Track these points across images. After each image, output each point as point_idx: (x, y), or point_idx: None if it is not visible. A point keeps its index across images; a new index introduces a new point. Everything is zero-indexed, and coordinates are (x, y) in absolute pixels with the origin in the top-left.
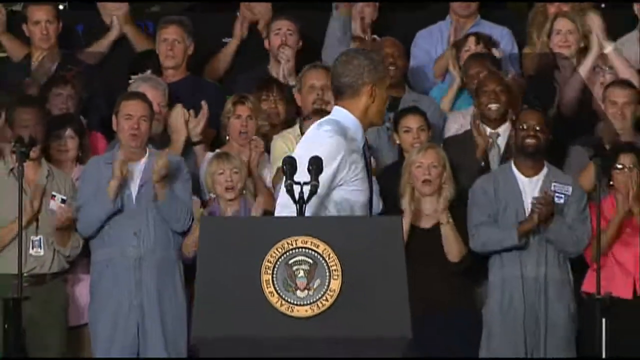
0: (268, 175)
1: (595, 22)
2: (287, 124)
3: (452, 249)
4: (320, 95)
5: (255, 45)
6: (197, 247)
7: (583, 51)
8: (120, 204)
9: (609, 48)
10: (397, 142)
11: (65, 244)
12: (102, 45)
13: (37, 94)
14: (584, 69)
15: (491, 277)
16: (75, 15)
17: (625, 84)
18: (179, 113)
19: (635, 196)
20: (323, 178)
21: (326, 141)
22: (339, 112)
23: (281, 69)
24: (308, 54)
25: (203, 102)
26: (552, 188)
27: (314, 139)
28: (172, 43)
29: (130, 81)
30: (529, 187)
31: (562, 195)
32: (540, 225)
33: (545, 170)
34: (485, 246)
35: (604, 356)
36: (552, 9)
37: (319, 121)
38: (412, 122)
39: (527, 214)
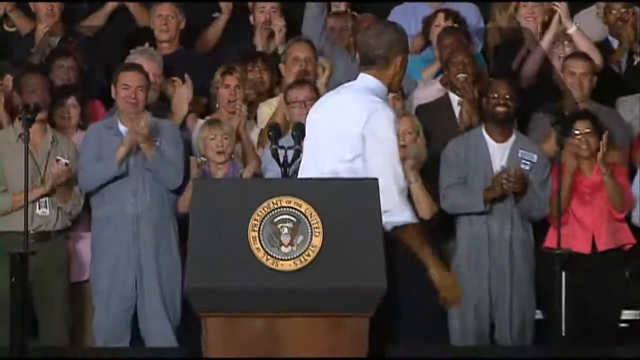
0: (256, 140)
1: (561, 5)
2: (271, 92)
3: (423, 206)
4: (304, 67)
5: (243, 21)
6: (190, 205)
7: (547, 24)
8: (126, 169)
9: (572, 28)
10: None
11: (66, 200)
12: (100, 16)
13: (41, 65)
14: (544, 44)
15: (459, 234)
16: None
17: (583, 56)
18: (183, 91)
19: (589, 158)
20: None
21: (390, 115)
22: (368, 80)
23: (276, 37)
24: (290, 29)
25: (186, 76)
26: (519, 155)
27: (372, 109)
28: (166, 18)
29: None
30: (498, 152)
31: (528, 162)
32: (512, 196)
33: (513, 137)
34: (454, 208)
35: (563, 307)
36: None
37: (355, 88)
38: None
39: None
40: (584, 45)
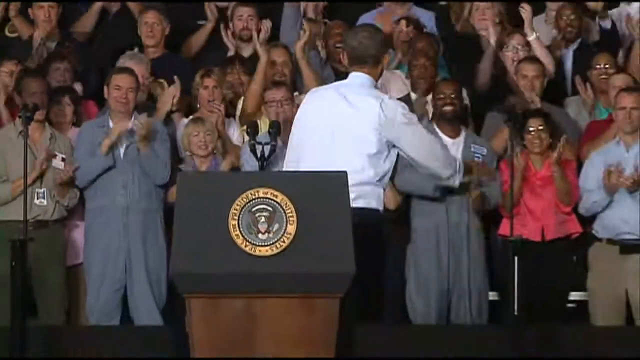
0: (234, 134)
1: (526, 12)
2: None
3: (389, 198)
4: (280, 70)
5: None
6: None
7: (499, 25)
8: (113, 161)
9: (532, 36)
10: None
11: (64, 196)
12: (89, 17)
13: (38, 68)
14: (491, 41)
15: (418, 221)
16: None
17: (534, 59)
18: (169, 91)
19: (545, 152)
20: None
21: (398, 103)
22: (362, 78)
23: (260, 39)
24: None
25: (176, 77)
26: (472, 149)
27: (383, 106)
28: (152, 25)
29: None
30: (453, 147)
31: (480, 155)
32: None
33: (464, 134)
34: (405, 187)
35: (516, 289)
36: None
37: (355, 86)
38: None
39: None
40: (540, 52)
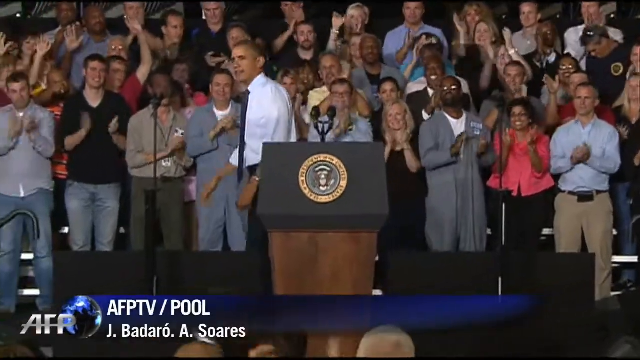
0: (306, 117)
1: (507, 35)
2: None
3: (412, 164)
4: (330, 72)
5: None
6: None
7: (494, 43)
8: (217, 145)
9: (512, 51)
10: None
11: (182, 159)
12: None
13: (164, 68)
14: (494, 58)
15: (434, 180)
16: (192, 23)
17: (517, 63)
18: None
19: (525, 128)
20: None
21: None
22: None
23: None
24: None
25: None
26: (472, 125)
27: None
28: (236, 39)
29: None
30: (457, 126)
31: (478, 130)
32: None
33: (465, 115)
34: (431, 164)
35: (504, 226)
36: (471, 15)
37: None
38: (387, 86)
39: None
40: (518, 60)
